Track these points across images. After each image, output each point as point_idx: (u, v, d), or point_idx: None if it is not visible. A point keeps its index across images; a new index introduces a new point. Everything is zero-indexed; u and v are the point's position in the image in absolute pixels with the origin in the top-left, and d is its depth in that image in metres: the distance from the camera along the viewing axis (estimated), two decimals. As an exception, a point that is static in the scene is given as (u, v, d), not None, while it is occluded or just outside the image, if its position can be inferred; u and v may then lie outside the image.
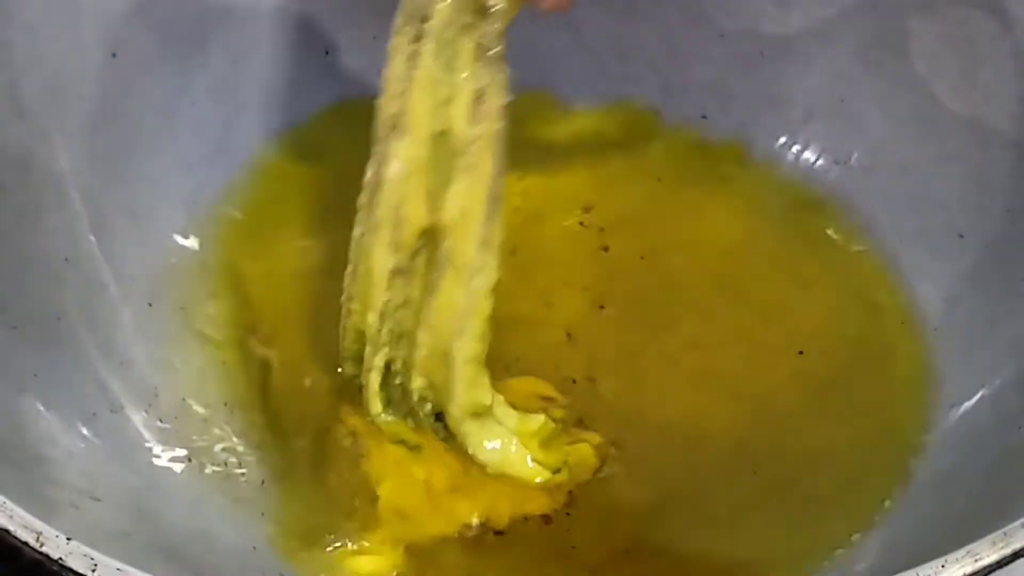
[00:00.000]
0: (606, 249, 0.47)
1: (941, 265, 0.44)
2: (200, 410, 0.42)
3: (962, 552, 0.28)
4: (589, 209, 0.48)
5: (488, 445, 0.40)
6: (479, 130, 0.37)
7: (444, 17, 0.36)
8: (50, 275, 0.39)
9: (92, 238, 0.41)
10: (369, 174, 0.38)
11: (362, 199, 0.39)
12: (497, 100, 0.37)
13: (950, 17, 0.43)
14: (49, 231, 0.40)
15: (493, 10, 0.36)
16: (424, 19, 0.37)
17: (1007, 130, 0.42)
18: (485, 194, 0.38)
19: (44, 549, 0.28)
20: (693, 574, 0.39)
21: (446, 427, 0.40)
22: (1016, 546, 0.28)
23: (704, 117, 0.49)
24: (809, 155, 0.48)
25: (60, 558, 0.28)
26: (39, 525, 0.28)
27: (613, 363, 0.44)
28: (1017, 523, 0.29)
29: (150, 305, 0.43)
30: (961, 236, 0.43)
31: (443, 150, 0.37)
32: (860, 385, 0.43)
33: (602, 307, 0.45)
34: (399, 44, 0.38)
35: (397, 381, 0.40)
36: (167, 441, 0.40)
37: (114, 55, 0.43)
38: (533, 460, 0.40)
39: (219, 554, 0.37)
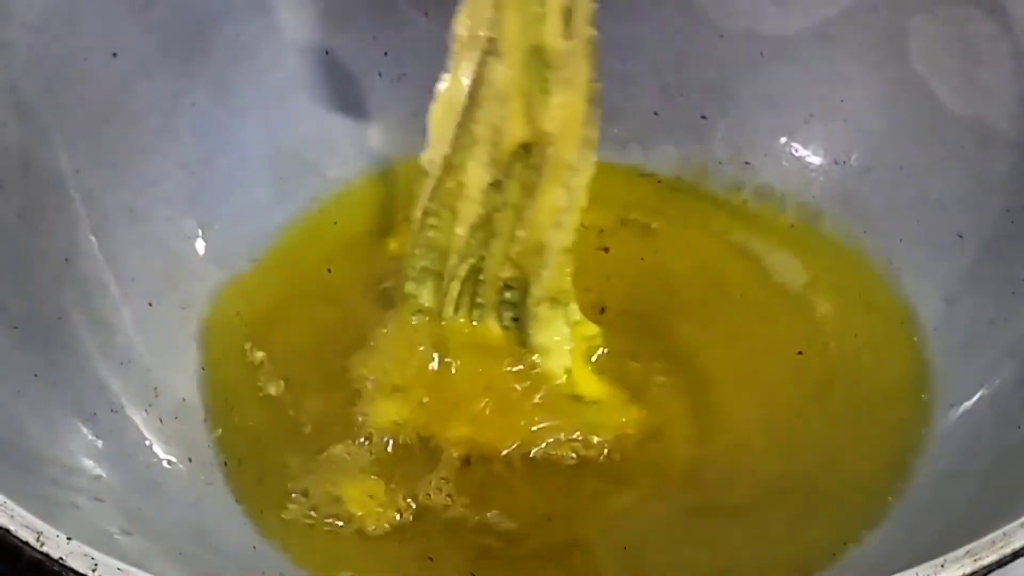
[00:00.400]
0: (606, 250, 0.47)
1: (941, 265, 0.44)
2: (200, 410, 0.42)
3: (962, 552, 0.28)
4: (588, 211, 0.48)
5: (549, 333, 0.42)
6: (573, 43, 0.38)
7: None
8: (50, 275, 0.39)
9: (92, 238, 0.41)
10: (454, 92, 0.39)
11: (438, 116, 0.40)
12: (586, 10, 0.38)
13: (950, 17, 0.43)
14: (49, 231, 0.40)
15: None
16: None
17: (1007, 130, 0.42)
18: (585, 101, 0.39)
19: (45, 549, 0.28)
20: (693, 574, 0.39)
21: (515, 317, 0.42)
22: (1016, 546, 0.28)
23: (704, 117, 0.49)
24: (809, 155, 0.48)
25: (61, 558, 0.28)
26: (40, 525, 0.28)
27: (612, 364, 0.44)
28: (1017, 523, 0.29)
29: (150, 305, 0.43)
30: (961, 236, 0.43)
31: (537, 65, 0.38)
32: (859, 385, 0.43)
33: (602, 311, 0.45)
34: None
35: (480, 277, 0.41)
36: (167, 441, 0.40)
37: (114, 55, 0.43)
38: (568, 373, 0.42)
39: (219, 554, 0.37)
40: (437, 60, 0.39)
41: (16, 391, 0.36)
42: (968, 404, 0.40)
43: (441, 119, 0.40)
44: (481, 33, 0.38)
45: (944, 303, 0.43)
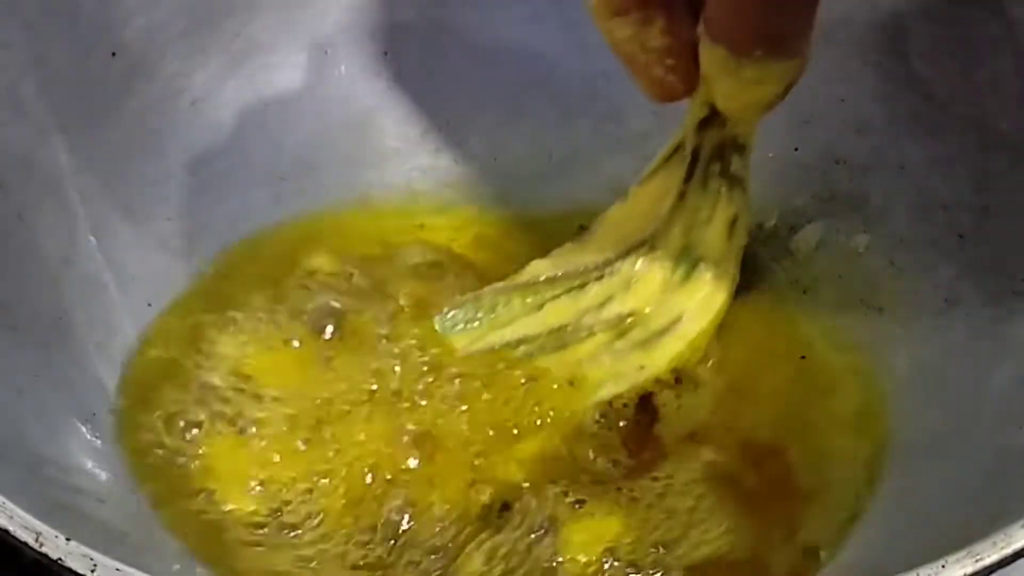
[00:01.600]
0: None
1: (941, 265, 0.44)
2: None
3: (963, 552, 0.28)
4: (588, 216, 0.48)
5: None
6: (732, 246, 0.42)
7: (707, 154, 0.41)
8: (50, 275, 0.39)
9: (92, 238, 0.41)
10: (595, 277, 0.42)
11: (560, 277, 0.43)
12: (747, 220, 0.42)
13: (950, 17, 0.43)
14: (49, 231, 0.40)
15: (744, 143, 0.42)
16: (690, 155, 0.42)
17: (1007, 130, 0.42)
18: (726, 294, 0.42)
19: (43, 549, 0.28)
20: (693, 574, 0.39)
21: None
22: (1016, 546, 0.28)
23: (704, 118, 0.49)
24: (809, 156, 0.48)
25: (59, 558, 0.28)
26: (38, 525, 0.28)
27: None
28: (1017, 523, 0.29)
29: (150, 305, 0.43)
30: (961, 236, 0.43)
31: (686, 259, 0.42)
32: (860, 385, 0.43)
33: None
34: (669, 179, 0.42)
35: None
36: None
37: (114, 55, 0.43)
38: None
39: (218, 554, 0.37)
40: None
41: (16, 391, 0.36)
42: (968, 404, 0.40)
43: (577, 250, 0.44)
44: (639, 232, 0.42)
45: (944, 303, 0.43)
